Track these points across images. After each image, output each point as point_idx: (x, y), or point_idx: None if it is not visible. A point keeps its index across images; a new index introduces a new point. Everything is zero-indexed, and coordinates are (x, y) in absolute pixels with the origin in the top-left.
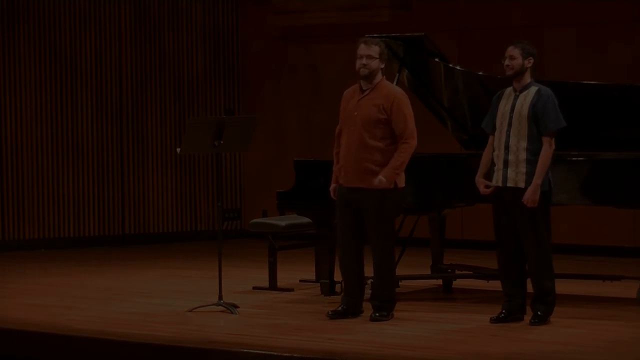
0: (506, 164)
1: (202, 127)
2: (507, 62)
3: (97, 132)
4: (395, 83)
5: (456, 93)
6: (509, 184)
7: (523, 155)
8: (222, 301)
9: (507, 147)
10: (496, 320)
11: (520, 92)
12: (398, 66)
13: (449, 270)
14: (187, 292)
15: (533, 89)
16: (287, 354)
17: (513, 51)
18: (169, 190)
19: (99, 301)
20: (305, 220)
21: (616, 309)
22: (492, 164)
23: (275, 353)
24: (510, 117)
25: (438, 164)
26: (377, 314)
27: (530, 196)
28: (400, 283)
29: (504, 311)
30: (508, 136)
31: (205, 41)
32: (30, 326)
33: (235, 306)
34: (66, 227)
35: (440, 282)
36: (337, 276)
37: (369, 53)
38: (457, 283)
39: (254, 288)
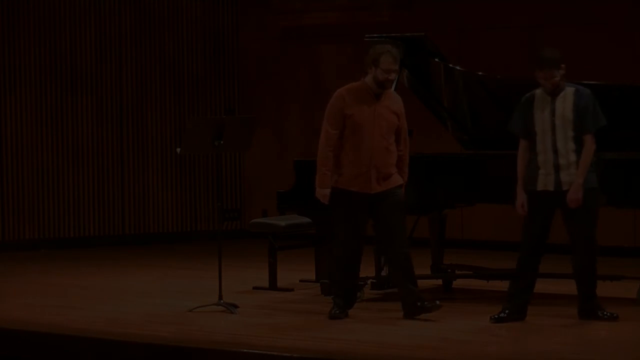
0: (557, 168)
1: (202, 127)
2: (548, 83)
3: (97, 132)
4: (395, 83)
5: (456, 93)
6: (565, 188)
7: (573, 158)
8: (222, 301)
9: (555, 151)
10: (496, 320)
11: (556, 95)
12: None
13: (449, 270)
14: (187, 292)
15: (570, 90)
16: (287, 354)
17: (553, 73)
18: (169, 190)
19: (99, 301)
20: (305, 220)
21: (616, 309)
22: (536, 167)
23: (275, 353)
24: (553, 122)
25: (438, 164)
26: (426, 303)
27: (574, 195)
28: None
29: (506, 311)
30: (554, 140)
31: (205, 41)
32: (30, 326)
33: (235, 306)
34: (66, 227)
35: (440, 282)
36: None
37: (397, 68)
38: (457, 283)
39: (254, 288)
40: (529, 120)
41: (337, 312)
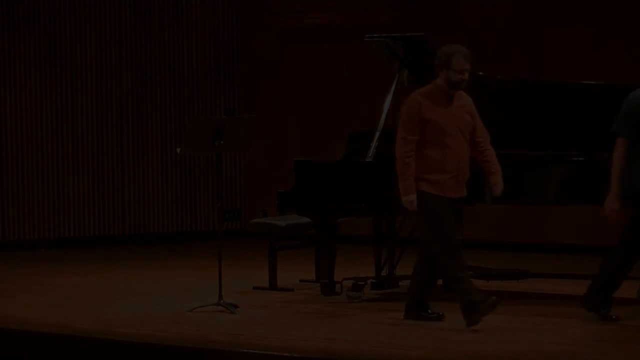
0: None
1: (202, 127)
2: None
3: (97, 132)
4: (395, 83)
5: None
6: None
7: None
8: (222, 301)
9: None
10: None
11: None
12: (398, 66)
13: None
14: (187, 292)
15: None
16: (287, 354)
17: None
18: (169, 190)
19: (99, 301)
20: (305, 220)
21: (616, 309)
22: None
23: (275, 353)
24: None
25: None
26: (430, 312)
27: None
28: (400, 283)
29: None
30: None
31: (205, 41)
32: (30, 326)
33: (235, 306)
34: (66, 227)
35: (440, 282)
36: (337, 276)
37: (469, 67)
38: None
39: (254, 288)
40: (636, 121)
41: (486, 299)
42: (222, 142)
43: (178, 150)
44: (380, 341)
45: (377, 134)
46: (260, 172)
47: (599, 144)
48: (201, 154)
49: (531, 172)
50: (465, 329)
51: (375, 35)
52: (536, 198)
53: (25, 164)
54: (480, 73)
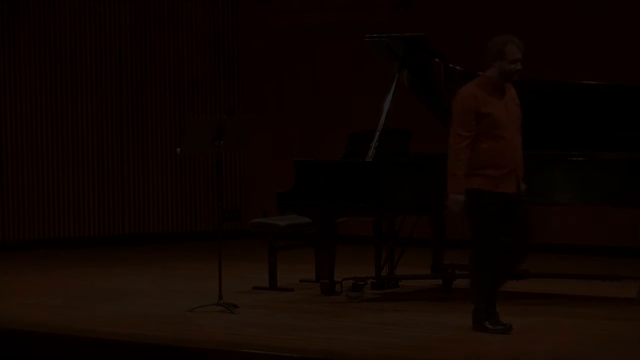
0: None
1: (202, 127)
2: None
3: (97, 132)
4: (395, 83)
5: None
6: None
7: None
8: (222, 301)
9: None
10: None
11: None
12: (398, 66)
13: (449, 270)
14: (187, 292)
15: None
16: (286, 354)
17: None
18: (169, 190)
19: (99, 301)
20: (305, 220)
21: (616, 309)
22: None
23: (275, 353)
24: None
25: (438, 165)
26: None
27: None
28: (400, 283)
29: None
30: None
31: (205, 41)
32: (30, 326)
33: (235, 306)
34: (66, 227)
35: (440, 282)
36: (337, 276)
37: (522, 57)
38: (457, 283)
39: (254, 288)
40: None
41: (501, 327)
42: (222, 142)
43: (178, 150)
44: (380, 341)
45: (377, 134)
46: (260, 172)
47: (600, 144)
48: (201, 154)
49: (532, 173)
50: (465, 329)
51: (375, 35)
52: (537, 198)
53: (25, 164)
54: (480, 73)
